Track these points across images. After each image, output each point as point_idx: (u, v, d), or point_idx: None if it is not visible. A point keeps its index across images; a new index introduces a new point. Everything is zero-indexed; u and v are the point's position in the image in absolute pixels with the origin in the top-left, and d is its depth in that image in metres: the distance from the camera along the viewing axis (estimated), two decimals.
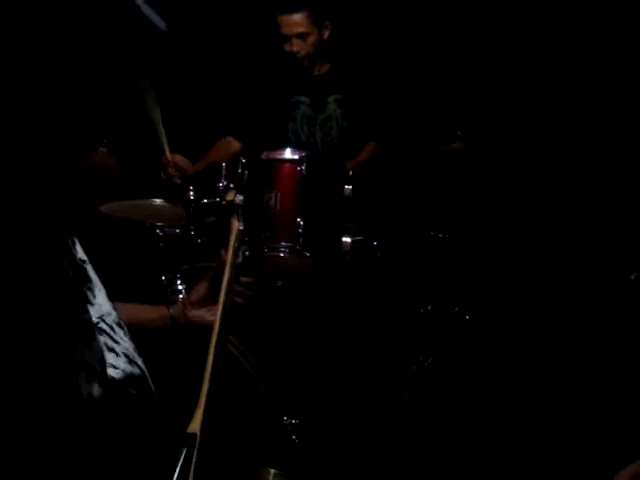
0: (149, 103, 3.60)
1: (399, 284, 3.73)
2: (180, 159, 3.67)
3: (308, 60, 3.87)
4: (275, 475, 2.27)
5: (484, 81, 4.31)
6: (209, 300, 1.95)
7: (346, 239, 3.29)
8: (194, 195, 3.30)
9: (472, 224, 4.10)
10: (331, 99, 3.93)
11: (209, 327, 1.88)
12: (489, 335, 3.92)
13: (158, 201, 3.53)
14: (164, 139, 3.48)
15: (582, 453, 3.14)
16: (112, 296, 1.39)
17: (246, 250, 3.25)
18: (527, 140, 4.23)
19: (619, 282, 3.48)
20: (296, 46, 3.80)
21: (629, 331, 3.45)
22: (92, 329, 1.17)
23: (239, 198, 2.07)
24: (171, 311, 1.95)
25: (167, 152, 3.62)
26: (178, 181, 3.39)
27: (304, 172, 3.23)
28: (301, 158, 3.24)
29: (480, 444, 3.32)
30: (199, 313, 1.94)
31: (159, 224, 3.45)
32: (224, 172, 3.34)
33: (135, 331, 1.56)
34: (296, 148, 3.38)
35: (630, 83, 3.97)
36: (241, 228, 1.99)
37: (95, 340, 1.17)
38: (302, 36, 3.79)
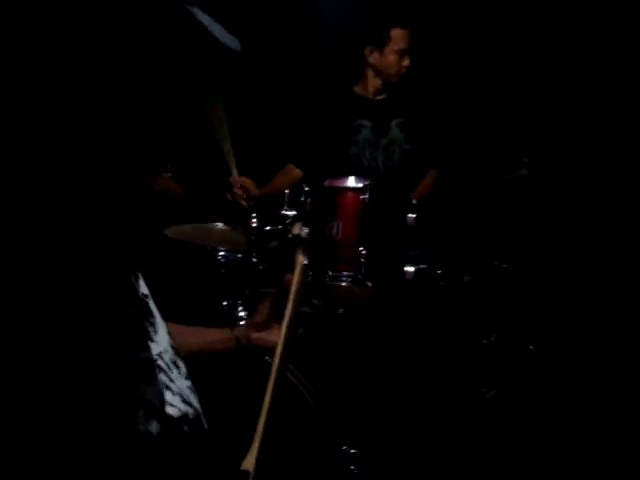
0: (217, 123, 3.61)
1: (462, 314, 3.68)
2: (246, 180, 3.66)
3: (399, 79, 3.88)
4: None
5: (549, 106, 4.25)
6: (271, 322, 1.93)
7: (409, 268, 3.26)
8: (257, 222, 3.30)
9: (536, 254, 4.04)
10: (394, 123, 3.92)
11: (271, 349, 1.88)
12: (552, 366, 3.85)
13: (220, 225, 3.54)
14: (232, 160, 3.46)
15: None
16: (174, 321, 1.38)
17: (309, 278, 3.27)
18: (589, 167, 4.17)
19: None
20: (409, 61, 3.82)
21: None
22: (153, 366, 1.17)
23: (305, 231, 2.04)
24: (234, 332, 1.93)
25: (235, 173, 3.62)
26: (244, 202, 3.35)
27: (367, 201, 3.22)
28: (364, 186, 3.23)
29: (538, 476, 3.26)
30: (262, 335, 1.88)
31: (221, 249, 3.47)
32: (287, 199, 3.35)
33: (195, 361, 1.55)
34: (359, 176, 3.37)
35: None
36: (306, 262, 1.95)
37: (155, 377, 1.16)
38: (408, 51, 3.82)
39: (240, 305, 3.39)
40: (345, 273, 3.19)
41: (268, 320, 1.89)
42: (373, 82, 3.93)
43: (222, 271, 3.43)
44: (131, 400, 1.11)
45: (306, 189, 3.20)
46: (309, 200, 3.20)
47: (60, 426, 1.01)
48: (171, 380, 1.27)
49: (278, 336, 1.83)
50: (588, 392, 3.70)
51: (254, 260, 3.35)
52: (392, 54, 3.81)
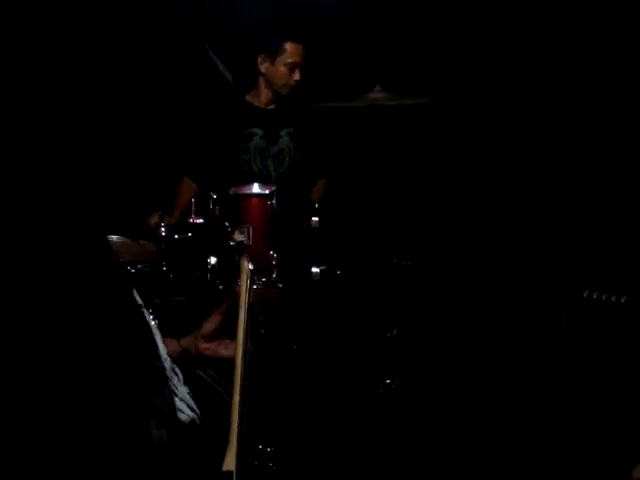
0: None
1: (365, 311, 3.84)
2: (160, 216, 3.54)
3: (289, 92, 3.95)
4: None
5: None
6: (220, 334, 1.95)
7: (315, 269, 3.40)
8: (165, 231, 3.36)
9: (433, 250, 4.24)
10: (284, 132, 4.02)
11: (220, 360, 1.93)
12: (448, 357, 4.07)
13: (116, 238, 3.56)
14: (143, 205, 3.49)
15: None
16: None
17: (220, 284, 3.35)
18: (485, 165, 4.38)
19: (573, 300, 3.64)
20: (300, 76, 3.88)
21: (583, 348, 3.61)
22: (164, 375, 1.21)
23: (244, 238, 2.11)
24: (182, 343, 1.92)
25: (150, 215, 3.59)
26: (162, 232, 3.36)
27: (274, 206, 3.33)
28: (271, 192, 3.34)
29: (445, 464, 3.44)
30: (211, 346, 1.90)
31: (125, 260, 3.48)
32: (194, 208, 3.43)
33: None
34: (263, 183, 3.48)
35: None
36: (251, 267, 2.00)
37: (167, 385, 1.21)
38: (301, 68, 3.89)
39: (151, 314, 3.44)
40: (257, 276, 3.28)
41: (217, 332, 1.92)
42: (264, 92, 3.99)
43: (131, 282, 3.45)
44: (143, 411, 1.15)
45: (214, 197, 3.29)
46: (217, 208, 3.28)
47: (75, 438, 1.06)
48: (175, 387, 1.32)
49: (228, 348, 1.88)
50: (483, 379, 3.94)
51: (164, 269, 3.40)
52: (283, 66, 3.87)
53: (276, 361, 3.53)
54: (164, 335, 2.07)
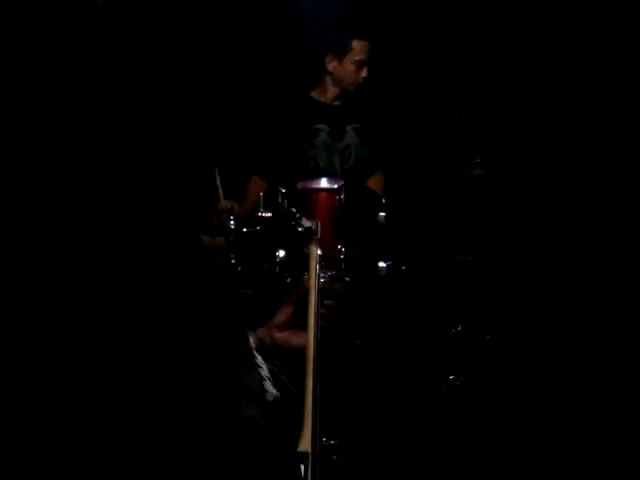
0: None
1: (430, 306, 3.85)
2: (232, 204, 3.64)
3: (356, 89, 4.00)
4: None
5: (501, 106, 4.44)
6: (292, 323, 2.00)
7: (382, 264, 3.42)
8: (234, 225, 3.41)
9: (499, 246, 4.23)
10: (349, 128, 4.06)
11: (292, 350, 1.97)
12: (515, 353, 4.05)
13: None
14: (220, 188, 3.53)
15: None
16: None
17: (288, 277, 3.38)
18: (544, 160, 4.37)
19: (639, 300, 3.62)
20: (367, 72, 3.95)
21: None
22: (252, 355, 1.25)
23: (313, 224, 2.14)
24: (256, 334, 2.01)
25: (222, 199, 3.65)
26: (231, 224, 3.41)
27: (342, 201, 3.36)
28: (339, 187, 3.38)
29: (507, 461, 3.43)
30: (283, 336, 1.93)
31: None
32: (262, 202, 3.47)
33: None
34: (332, 178, 3.51)
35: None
36: (319, 253, 2.04)
37: (254, 365, 1.25)
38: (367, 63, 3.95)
39: None
40: (324, 270, 3.32)
41: (289, 322, 1.95)
42: (331, 89, 4.05)
43: None
44: (235, 389, 1.20)
45: (283, 191, 3.33)
46: (286, 201, 3.32)
47: (175, 416, 1.10)
48: (261, 367, 1.36)
49: (300, 337, 1.92)
50: (547, 378, 3.92)
51: (233, 262, 3.45)
52: (351, 64, 3.93)
53: (340, 355, 3.57)
54: None
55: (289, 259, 3.29)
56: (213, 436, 1.13)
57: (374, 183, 4.10)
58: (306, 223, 2.16)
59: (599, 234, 4.17)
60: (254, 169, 4.04)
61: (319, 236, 3.31)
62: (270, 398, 1.32)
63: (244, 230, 3.42)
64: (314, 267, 2.02)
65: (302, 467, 1.43)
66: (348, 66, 3.95)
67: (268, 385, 1.35)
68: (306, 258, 2.20)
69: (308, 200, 3.41)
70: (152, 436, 1.07)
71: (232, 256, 3.45)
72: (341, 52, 3.94)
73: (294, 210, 3.16)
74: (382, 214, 3.46)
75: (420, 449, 3.45)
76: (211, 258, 1.26)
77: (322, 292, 3.30)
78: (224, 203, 3.54)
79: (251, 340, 1.36)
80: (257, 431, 1.21)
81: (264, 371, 1.37)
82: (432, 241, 4.00)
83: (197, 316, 1.14)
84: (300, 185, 3.47)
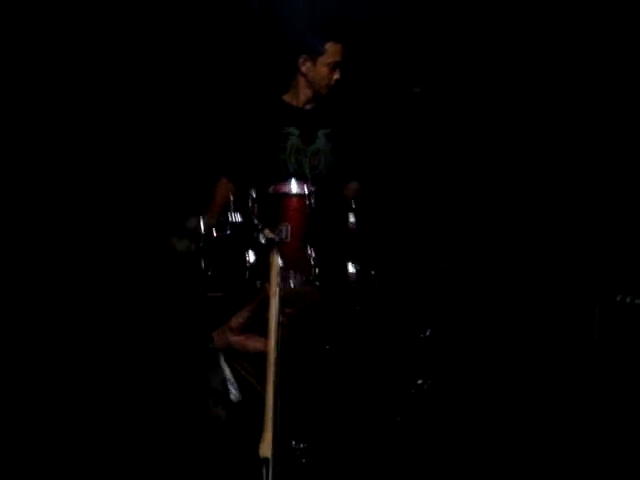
0: None
1: (399, 311, 3.87)
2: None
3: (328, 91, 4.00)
4: None
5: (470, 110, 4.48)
6: (249, 328, 2.04)
7: (352, 269, 3.43)
8: (204, 229, 3.39)
9: (467, 253, 4.27)
10: (320, 133, 4.07)
11: (247, 354, 2.01)
12: (483, 358, 4.09)
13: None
14: None
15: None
16: None
17: (258, 282, 3.39)
18: (511, 166, 4.42)
19: (605, 303, 3.66)
20: (339, 74, 3.96)
21: (616, 352, 3.62)
22: (216, 356, 1.27)
23: (275, 235, 2.18)
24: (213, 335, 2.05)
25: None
26: (201, 229, 3.39)
27: (313, 205, 3.37)
28: (310, 192, 3.39)
29: (477, 463, 3.46)
30: (239, 339, 2.02)
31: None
32: (232, 206, 3.47)
33: None
34: (302, 181, 3.51)
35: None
36: (281, 264, 2.07)
37: (219, 366, 1.26)
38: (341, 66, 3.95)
39: None
40: (293, 274, 3.33)
41: (246, 326, 2.06)
42: (303, 91, 4.06)
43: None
44: (202, 389, 1.22)
45: (254, 195, 3.33)
46: (256, 206, 3.32)
47: (143, 414, 1.12)
48: (223, 368, 1.38)
49: (256, 342, 1.95)
50: (517, 380, 3.96)
51: (202, 266, 3.44)
52: (324, 66, 3.95)
53: (309, 360, 3.58)
54: None
55: (259, 264, 3.29)
56: (182, 433, 1.15)
57: (350, 192, 4.12)
58: (268, 234, 2.19)
59: (566, 237, 4.22)
60: (222, 170, 4.03)
61: (288, 241, 3.36)
62: (234, 399, 1.34)
63: (214, 235, 3.41)
64: (275, 276, 2.05)
65: (263, 470, 1.44)
66: (321, 68, 3.96)
67: (231, 386, 1.36)
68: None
69: (278, 204, 3.41)
70: (124, 431, 1.09)
71: (202, 260, 3.44)
72: (315, 54, 3.95)
73: (256, 221, 3.18)
74: (352, 219, 3.48)
75: (389, 452, 3.47)
76: (177, 261, 1.28)
77: (291, 298, 3.32)
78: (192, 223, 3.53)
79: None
80: (222, 430, 1.23)
81: (227, 372, 1.38)
82: (402, 246, 4.02)
83: (164, 317, 1.15)
84: (271, 189, 3.48)
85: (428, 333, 3.83)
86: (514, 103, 4.43)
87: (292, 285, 3.33)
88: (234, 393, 1.36)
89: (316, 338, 3.53)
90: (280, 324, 1.98)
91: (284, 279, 3.35)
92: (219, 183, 4.01)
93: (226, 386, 1.29)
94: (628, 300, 3.55)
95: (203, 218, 3.43)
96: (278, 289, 2.06)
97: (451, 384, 3.88)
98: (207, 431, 1.20)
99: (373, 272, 3.72)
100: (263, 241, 2.44)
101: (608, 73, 4.18)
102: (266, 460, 1.51)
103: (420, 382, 3.78)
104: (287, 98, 4.11)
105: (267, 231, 2.20)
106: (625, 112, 4.14)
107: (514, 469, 3.41)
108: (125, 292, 1.08)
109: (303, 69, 3.99)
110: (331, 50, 3.93)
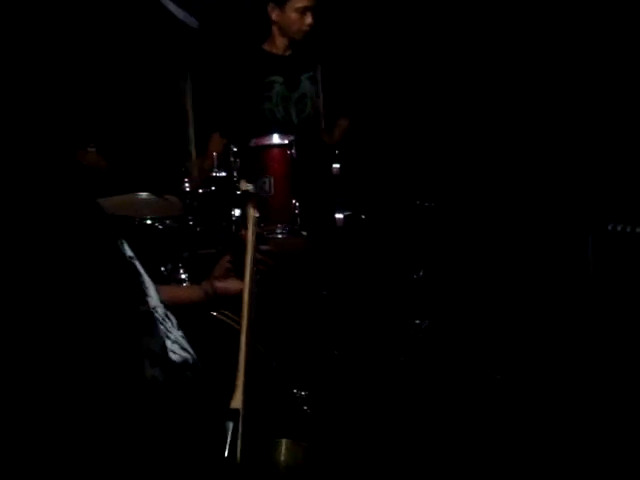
0: (187, 107, 3.64)
1: (390, 254, 3.89)
2: (202, 161, 3.64)
3: (304, 36, 3.93)
4: (290, 444, 2.40)
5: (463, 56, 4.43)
6: (230, 274, 2.13)
7: (339, 215, 3.44)
8: (189, 186, 3.41)
9: (456, 191, 4.26)
10: (304, 77, 4.04)
11: (232, 296, 2.10)
12: (477, 294, 4.10)
13: (144, 195, 3.64)
14: (193, 145, 3.52)
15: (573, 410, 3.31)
16: None
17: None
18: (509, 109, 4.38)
19: (598, 233, 3.65)
20: (312, 19, 3.87)
21: (609, 281, 3.62)
22: (153, 318, 1.30)
23: (250, 187, 2.22)
24: (203, 287, 2.13)
25: (194, 157, 3.65)
26: (186, 187, 3.38)
27: (294, 155, 3.37)
28: (290, 142, 3.38)
29: (477, 399, 3.49)
30: (224, 285, 2.11)
31: (151, 216, 3.53)
32: (216, 162, 3.47)
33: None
34: (282, 132, 3.49)
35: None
36: (257, 215, 2.15)
37: (156, 327, 1.29)
38: (313, 10, 3.87)
39: (181, 268, 3.51)
40: (280, 225, 3.35)
41: (227, 272, 2.14)
42: (279, 39, 4.00)
43: (157, 237, 3.52)
44: (137, 351, 1.24)
45: (234, 150, 3.33)
46: (238, 160, 3.32)
47: (75, 377, 1.13)
48: (168, 330, 1.41)
49: (237, 284, 2.05)
50: (512, 316, 3.97)
51: (191, 223, 3.46)
52: (292, 12, 3.87)
53: (306, 308, 3.61)
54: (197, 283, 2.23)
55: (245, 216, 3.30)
56: (115, 396, 1.17)
57: (340, 128, 4.11)
58: (243, 186, 2.22)
59: (558, 171, 4.20)
60: (213, 126, 4.01)
61: (272, 193, 3.36)
62: (176, 359, 1.36)
63: (199, 191, 3.43)
64: (252, 226, 2.13)
65: (229, 424, 1.46)
66: (290, 14, 3.89)
67: (175, 347, 1.39)
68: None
69: (260, 157, 3.41)
70: (55, 401, 1.11)
71: (190, 217, 3.46)
72: (281, 0, 3.89)
73: (234, 174, 3.18)
74: (336, 165, 3.47)
75: (392, 399, 3.51)
76: (104, 227, 1.28)
77: (278, 249, 3.34)
78: (196, 161, 3.55)
79: (153, 305, 1.39)
80: (161, 391, 1.25)
81: (173, 334, 1.41)
82: (388, 189, 4.02)
83: (87, 287, 1.17)
84: (252, 142, 3.47)
85: (421, 273, 3.85)
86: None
87: (279, 236, 3.35)
88: (180, 354, 1.39)
89: (309, 287, 3.56)
90: (256, 267, 2.07)
91: (272, 232, 3.39)
92: (211, 139, 4.00)
93: (165, 348, 1.31)
94: (619, 229, 3.54)
95: (188, 178, 3.44)
96: (254, 238, 2.13)
97: (448, 322, 3.90)
98: (143, 392, 1.22)
99: (364, 217, 3.73)
100: (239, 193, 2.46)
101: (608, 72, 4.12)
102: (237, 411, 1.54)
103: (418, 322, 3.81)
104: (267, 47, 4.06)
105: (243, 183, 2.25)
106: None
107: (515, 407, 3.43)
108: (44, 262, 1.09)
109: (273, 17, 3.94)
110: None
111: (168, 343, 1.36)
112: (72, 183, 1.25)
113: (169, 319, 1.46)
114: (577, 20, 4.13)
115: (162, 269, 3.53)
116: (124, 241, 1.47)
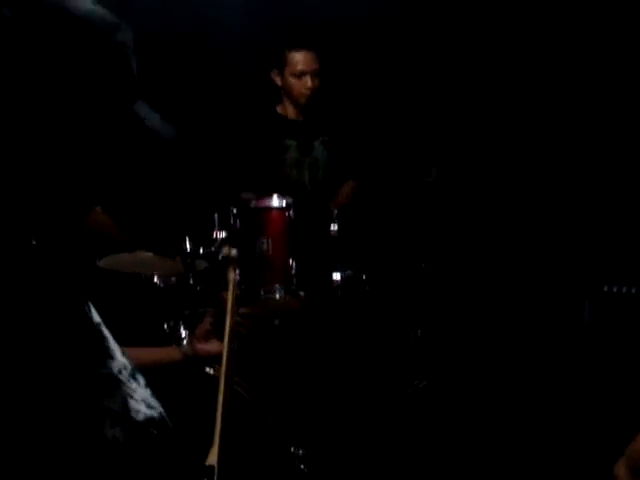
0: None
1: (389, 314, 3.93)
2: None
3: (307, 100, 3.96)
4: None
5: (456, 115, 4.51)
6: (211, 336, 2.29)
7: (336, 275, 3.51)
8: (191, 246, 3.48)
9: (452, 252, 4.31)
10: (317, 142, 4.10)
11: (211, 357, 2.22)
12: (475, 355, 4.13)
13: (149, 254, 3.71)
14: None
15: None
16: (121, 344, 1.58)
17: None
18: (503, 165, 4.44)
19: (594, 295, 3.68)
20: (313, 82, 3.87)
21: (606, 343, 3.65)
22: (114, 379, 1.34)
23: (233, 252, 2.30)
24: (181, 349, 2.30)
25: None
26: (188, 247, 3.41)
27: (292, 217, 3.44)
28: (288, 204, 3.45)
29: (477, 458, 3.51)
30: (204, 346, 2.27)
31: (155, 274, 3.61)
32: (216, 222, 3.56)
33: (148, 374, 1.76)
34: (282, 194, 3.56)
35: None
36: (238, 279, 2.26)
37: (118, 389, 1.34)
38: (316, 73, 3.90)
39: (182, 325, 3.58)
40: (278, 285, 3.41)
41: (208, 333, 2.30)
42: (288, 104, 4.06)
43: (162, 295, 3.59)
44: (97, 412, 1.29)
45: (235, 211, 3.41)
46: (238, 221, 3.40)
47: (34, 439, 1.18)
48: (133, 390, 1.45)
49: (217, 346, 2.17)
50: (509, 376, 3.99)
51: (191, 282, 3.53)
52: (290, 77, 3.91)
53: (304, 367, 3.64)
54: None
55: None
56: (74, 456, 1.21)
57: (347, 190, 4.18)
58: (226, 251, 2.32)
59: (554, 233, 4.24)
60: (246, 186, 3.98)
61: (270, 253, 3.43)
62: (140, 417, 1.40)
63: (200, 252, 3.50)
64: (232, 289, 2.22)
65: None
66: (289, 79, 3.92)
67: (140, 406, 1.43)
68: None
69: (259, 218, 3.48)
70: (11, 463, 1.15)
71: (190, 276, 3.53)
72: (280, 66, 3.93)
73: (219, 238, 3.27)
74: (334, 227, 3.54)
75: (386, 455, 3.53)
76: (70, 292, 1.34)
77: (275, 309, 3.40)
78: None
79: (117, 367, 1.44)
80: (121, 450, 1.29)
81: (139, 394, 1.46)
82: (386, 249, 4.08)
83: (44, 352, 1.22)
84: (253, 204, 3.55)
85: (419, 333, 3.88)
86: (495, 102, 4.45)
87: (277, 297, 3.41)
88: (143, 412, 1.43)
89: (306, 346, 3.60)
90: (236, 329, 2.17)
91: (269, 292, 3.45)
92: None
93: (127, 406, 1.36)
94: (615, 290, 3.57)
95: (189, 237, 3.52)
96: (234, 301, 2.22)
97: (446, 382, 3.92)
98: (103, 453, 1.27)
99: (364, 277, 3.78)
100: (220, 258, 2.62)
101: (608, 72, 4.19)
102: (212, 468, 1.59)
103: (416, 382, 3.83)
104: (280, 110, 4.10)
105: (226, 248, 2.37)
106: (610, 108, 4.16)
107: (510, 465, 3.44)
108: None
109: (278, 82, 3.99)
110: (293, 60, 3.88)
111: (132, 403, 1.41)
112: (46, 248, 1.31)
113: (136, 379, 1.51)
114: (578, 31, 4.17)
115: (165, 326, 3.61)
116: (91, 306, 1.51)
